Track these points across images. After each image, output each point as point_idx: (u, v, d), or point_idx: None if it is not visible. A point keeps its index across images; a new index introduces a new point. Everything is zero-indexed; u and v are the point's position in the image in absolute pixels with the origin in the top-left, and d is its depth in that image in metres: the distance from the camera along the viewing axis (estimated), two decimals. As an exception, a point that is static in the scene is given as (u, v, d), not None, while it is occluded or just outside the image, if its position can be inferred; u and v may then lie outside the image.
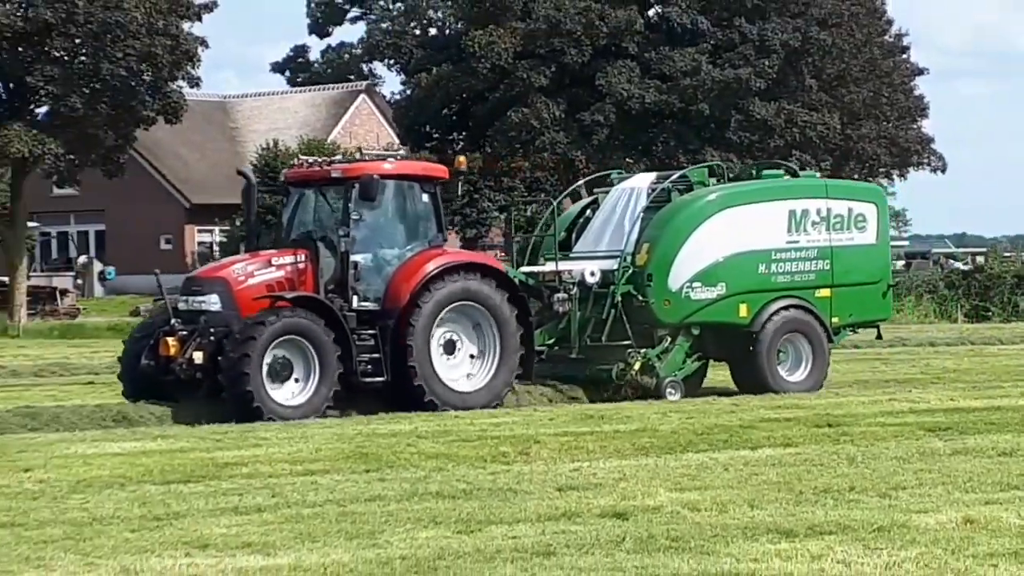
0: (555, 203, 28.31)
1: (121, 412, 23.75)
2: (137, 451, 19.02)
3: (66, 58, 58.50)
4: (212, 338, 23.11)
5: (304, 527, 13.47)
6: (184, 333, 23.51)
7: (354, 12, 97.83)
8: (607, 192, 27.90)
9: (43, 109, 59.62)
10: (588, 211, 28.07)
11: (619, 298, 25.53)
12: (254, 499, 15.08)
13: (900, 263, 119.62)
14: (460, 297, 24.29)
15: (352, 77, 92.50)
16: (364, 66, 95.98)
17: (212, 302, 23.66)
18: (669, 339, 25.92)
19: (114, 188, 65.69)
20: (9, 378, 34.71)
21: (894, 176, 78.20)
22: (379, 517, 13.92)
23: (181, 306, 24.10)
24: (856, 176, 71.59)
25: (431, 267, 24.17)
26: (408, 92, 68.54)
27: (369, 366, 23.79)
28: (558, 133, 61.04)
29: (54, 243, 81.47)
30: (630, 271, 25.68)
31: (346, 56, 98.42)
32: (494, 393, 24.56)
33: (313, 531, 13.25)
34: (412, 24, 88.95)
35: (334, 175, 24.71)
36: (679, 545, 12.31)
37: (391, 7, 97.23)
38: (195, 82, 62.46)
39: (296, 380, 23.32)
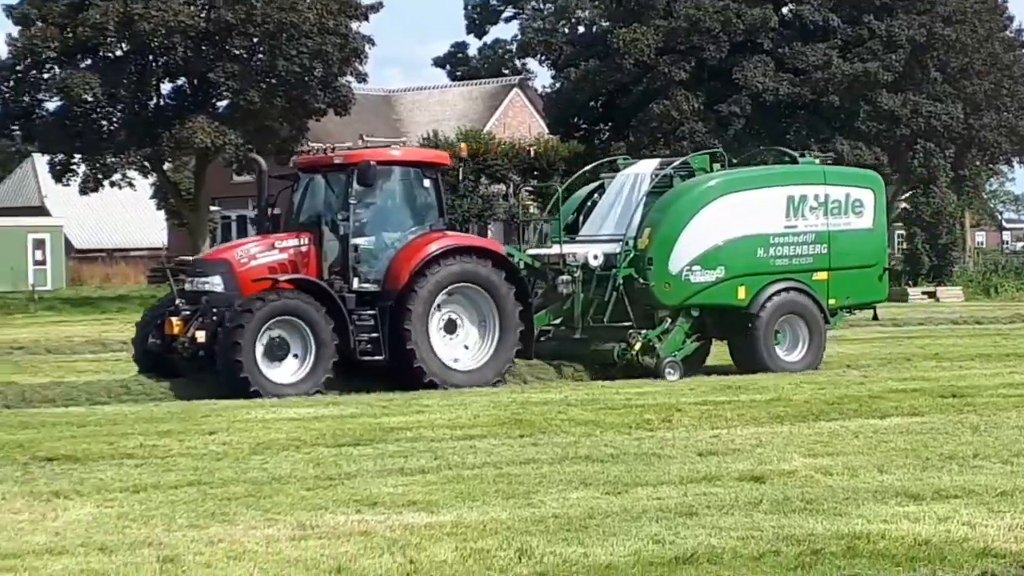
0: (559, 189, 27.47)
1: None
2: (311, 417, 19.15)
3: (245, 56, 59.15)
4: (214, 318, 22.51)
5: (464, 487, 13.50)
6: (187, 313, 23.04)
7: (508, 12, 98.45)
8: (613, 177, 27.21)
9: (224, 103, 60.38)
10: (596, 195, 27.27)
11: (621, 281, 24.81)
12: (418, 461, 15.14)
13: (1020, 244, 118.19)
14: (458, 279, 23.59)
15: (506, 72, 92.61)
16: (517, 61, 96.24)
17: (215, 283, 23.11)
18: (669, 320, 25.12)
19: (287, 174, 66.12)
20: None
21: (1014, 163, 77.38)
22: (533, 478, 13.93)
23: (187, 287, 23.69)
24: (978, 163, 70.84)
25: (429, 250, 23.43)
26: (558, 86, 68.45)
27: (368, 345, 23.09)
28: (697, 124, 60.74)
29: (234, 226, 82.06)
30: (632, 254, 24.94)
31: (501, 52, 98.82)
32: (494, 370, 23.78)
33: (472, 491, 13.28)
34: (562, 23, 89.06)
35: (336, 161, 24.10)
36: (813, 507, 12.23)
37: (542, 7, 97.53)
38: (362, 77, 62.99)
39: (295, 356, 22.70)
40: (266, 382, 22.18)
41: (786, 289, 25.49)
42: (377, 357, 23.13)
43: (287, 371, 22.62)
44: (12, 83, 59.73)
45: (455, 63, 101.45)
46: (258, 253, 23.47)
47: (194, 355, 22.68)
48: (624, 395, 21.39)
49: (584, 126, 65.47)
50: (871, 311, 28.64)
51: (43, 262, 72.96)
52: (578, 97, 64.25)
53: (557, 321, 25.85)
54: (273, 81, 58.81)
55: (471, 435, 17.09)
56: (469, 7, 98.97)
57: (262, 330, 22.25)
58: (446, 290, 23.46)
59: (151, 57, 59.39)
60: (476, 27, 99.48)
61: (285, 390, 22.11)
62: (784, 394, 21.05)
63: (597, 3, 68.33)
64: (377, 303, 23.28)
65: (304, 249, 23.49)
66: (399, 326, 22.99)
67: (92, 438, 17.04)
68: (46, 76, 59.33)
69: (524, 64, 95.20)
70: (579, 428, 17.49)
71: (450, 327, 23.78)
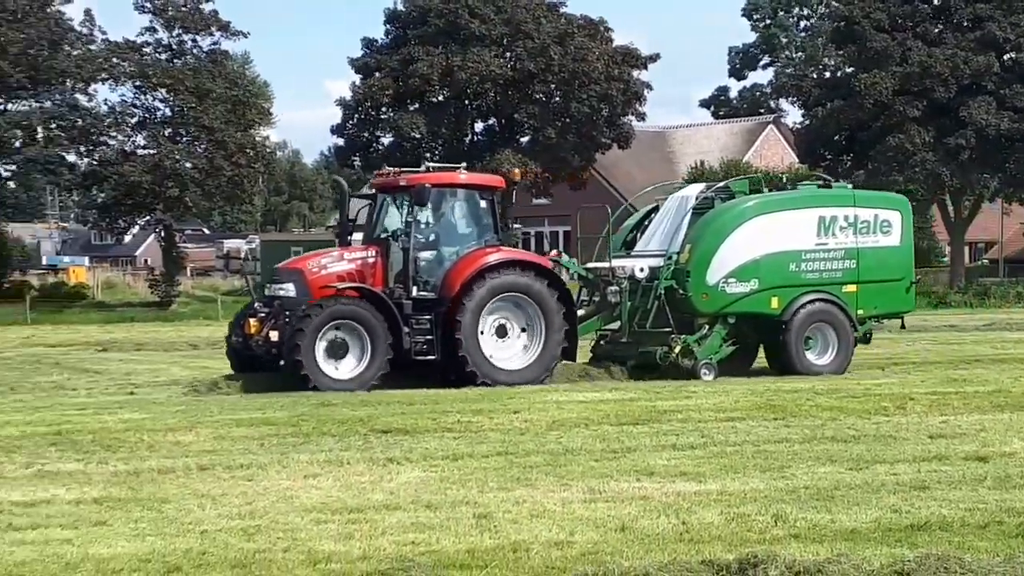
0: (612, 214, 26.03)
1: (585, 370, 24.05)
2: (597, 400, 19.17)
3: (544, 99, 59.72)
4: (286, 320, 21.85)
5: (727, 461, 13.40)
6: (263, 315, 22.58)
7: (765, 60, 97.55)
8: (665, 199, 26.30)
9: (525, 138, 60.86)
10: (652, 215, 26.19)
11: (662, 291, 23.94)
12: (688, 439, 15.05)
13: None
14: (506, 288, 22.59)
15: (762, 111, 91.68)
16: (772, 102, 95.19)
17: (289, 289, 22.45)
18: (707, 327, 24.14)
19: (577, 198, 66.42)
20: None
21: None
22: (786, 455, 13.75)
23: (268, 292, 23.24)
24: None
25: (480, 263, 22.57)
26: (807, 122, 67.46)
27: (424, 346, 22.30)
28: (928, 154, 59.29)
29: (532, 241, 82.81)
30: (673, 267, 24.01)
31: (758, 94, 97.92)
32: (539, 370, 22.73)
33: (734, 464, 13.17)
34: (811, 69, 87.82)
35: (401, 183, 23.19)
36: (1031, 484, 11.86)
37: (794, 56, 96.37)
38: (641, 116, 63.10)
39: (355, 356, 21.83)
40: (324, 378, 21.44)
41: (816, 300, 24.42)
42: (430, 357, 22.40)
43: (346, 368, 21.80)
44: (355, 122, 61.22)
45: (718, 103, 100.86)
46: (329, 264, 22.75)
47: (268, 352, 22.07)
48: (864, 385, 20.98)
49: (829, 157, 64.35)
50: (899, 321, 27.09)
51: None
52: (824, 132, 63.29)
53: (615, 326, 25.00)
54: (567, 120, 59.25)
55: (732, 417, 16.94)
56: (732, 55, 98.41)
57: (322, 332, 21.53)
58: (495, 299, 22.58)
59: (467, 101, 60.29)
60: (737, 72, 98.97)
61: (343, 385, 21.38)
62: (1004, 387, 20.40)
63: (842, 52, 67.11)
64: (433, 309, 22.51)
65: (371, 260, 22.78)
66: (452, 330, 22.27)
67: (418, 415, 17.29)
68: (382, 117, 60.58)
69: (778, 104, 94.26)
70: (825, 413, 17.20)
71: (501, 331, 22.83)
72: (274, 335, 21.91)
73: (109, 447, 14.64)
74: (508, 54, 59.41)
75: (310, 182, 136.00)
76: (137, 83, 61.84)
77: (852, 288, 24.81)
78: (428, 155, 59.81)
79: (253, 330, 22.47)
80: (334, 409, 17.99)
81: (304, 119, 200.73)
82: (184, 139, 62.45)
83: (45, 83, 58.27)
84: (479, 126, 62.69)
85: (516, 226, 60.69)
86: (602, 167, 68.16)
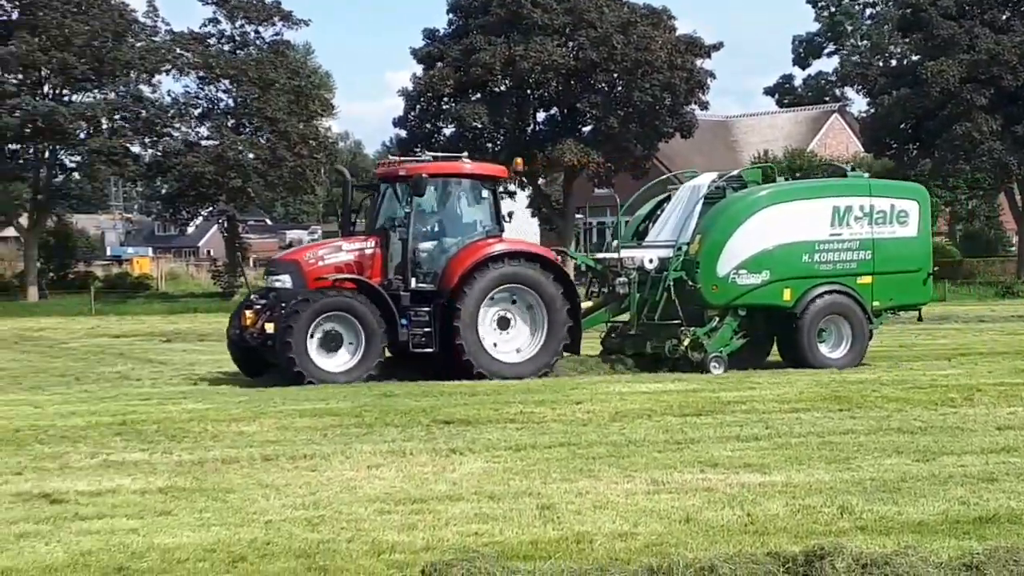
0: (621, 203, 25.38)
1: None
2: (660, 391, 19.15)
3: (606, 88, 59.56)
4: (282, 312, 21.43)
5: (792, 452, 13.33)
6: (259, 307, 22.33)
7: (830, 48, 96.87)
8: (678, 188, 25.67)
9: (588, 128, 60.75)
10: (664, 204, 25.54)
11: (671, 282, 23.45)
12: (751, 430, 15.00)
13: None
14: (508, 279, 22.11)
15: (827, 99, 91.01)
16: (837, 90, 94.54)
17: (285, 281, 22.14)
18: (718, 319, 23.57)
19: (639, 188, 66.32)
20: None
21: None
22: (851, 446, 13.67)
23: (265, 284, 23.14)
24: None
25: (481, 254, 22.10)
26: (872, 111, 66.88)
27: (422, 339, 21.89)
28: (995, 143, 58.68)
29: (594, 231, 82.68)
30: (682, 258, 23.53)
31: (823, 82, 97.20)
32: (540, 364, 22.22)
33: (799, 456, 13.11)
34: (876, 57, 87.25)
35: (400, 173, 22.66)
36: (1102, 477, 11.74)
37: (859, 44, 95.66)
38: (704, 105, 62.79)
39: (351, 344, 21.47)
40: (316, 369, 21.09)
41: (830, 292, 23.86)
42: (428, 349, 21.99)
43: (340, 360, 21.47)
44: (417, 113, 61.36)
45: (783, 92, 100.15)
46: (326, 255, 22.40)
47: (263, 345, 21.72)
48: (930, 376, 20.84)
49: (895, 145, 63.80)
50: (916, 312, 26.52)
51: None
52: (890, 120, 62.73)
53: (625, 318, 24.57)
54: (629, 109, 59.06)
55: (796, 408, 16.86)
56: (796, 43, 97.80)
57: (314, 323, 21.22)
58: (497, 290, 22.13)
59: (528, 91, 60.22)
60: (801, 60, 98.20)
61: (336, 377, 21.04)
62: (1074, 378, 20.24)
63: (908, 40, 66.53)
64: (432, 300, 22.09)
65: (370, 251, 22.38)
66: (450, 320, 21.87)
67: (481, 405, 17.34)
68: (444, 107, 60.67)
69: (843, 92, 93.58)
70: (891, 404, 17.10)
71: (503, 323, 22.36)
72: (269, 327, 21.55)
73: (173, 437, 14.76)
74: (570, 43, 59.31)
75: (371, 173, 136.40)
76: (201, 74, 62.38)
77: (867, 279, 24.21)
78: (490, 145, 59.91)
79: (248, 322, 22.22)
80: (396, 400, 18.07)
81: (365, 110, 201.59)
82: (247, 130, 62.92)
83: (109, 74, 58.74)
84: (541, 116, 62.60)
85: (578, 216, 60.51)
86: (665, 156, 67.83)
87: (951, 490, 11.23)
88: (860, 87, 70.99)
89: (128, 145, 60.39)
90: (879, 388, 18.86)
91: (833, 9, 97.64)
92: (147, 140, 61.65)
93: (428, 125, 61.87)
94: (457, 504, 10.92)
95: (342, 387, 20.08)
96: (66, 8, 56.80)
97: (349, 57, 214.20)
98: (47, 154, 60.25)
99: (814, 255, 23.84)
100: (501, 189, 23.34)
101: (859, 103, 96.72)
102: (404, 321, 21.86)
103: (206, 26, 63.60)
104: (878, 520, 10.15)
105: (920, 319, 27.57)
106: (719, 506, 10.72)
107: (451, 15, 62.56)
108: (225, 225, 67.43)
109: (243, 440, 14.57)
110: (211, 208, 66.27)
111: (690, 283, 23.32)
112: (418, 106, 61.32)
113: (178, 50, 61.68)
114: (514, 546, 9.45)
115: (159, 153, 61.86)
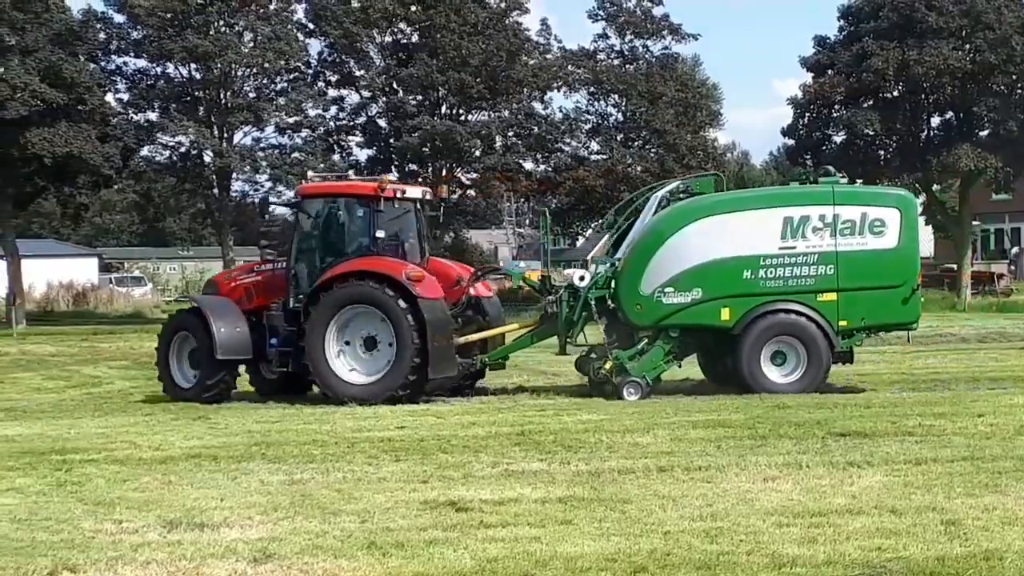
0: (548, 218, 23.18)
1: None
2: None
3: (1004, 91, 57.50)
4: None
5: None
6: None
7: None
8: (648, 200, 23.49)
9: (984, 132, 58.82)
10: (634, 218, 23.37)
11: (593, 301, 21.74)
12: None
13: None
14: (352, 300, 21.47)
15: None
16: None
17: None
18: (646, 340, 21.69)
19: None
20: (958, 343, 34.45)
21: None
22: None
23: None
24: None
25: (330, 274, 21.71)
26: None
27: (280, 358, 22.11)
28: None
29: (992, 237, 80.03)
30: (608, 276, 21.82)
31: None
32: (387, 386, 21.29)
33: None
34: None
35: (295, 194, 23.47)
36: None
37: None
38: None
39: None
40: (174, 388, 22.71)
41: (779, 311, 21.57)
42: (284, 369, 22.23)
43: (191, 375, 22.77)
44: (806, 121, 60.75)
45: None
46: (239, 276, 23.81)
47: None
48: None
49: None
50: (904, 332, 23.80)
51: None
52: None
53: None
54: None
55: None
56: None
57: (172, 340, 22.83)
58: (345, 309, 21.56)
59: (922, 96, 58.78)
60: None
61: (185, 394, 22.33)
62: None
63: None
64: (301, 321, 21.88)
65: (278, 273, 23.03)
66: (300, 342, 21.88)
67: (877, 418, 17.06)
68: (834, 115, 59.87)
69: None
70: None
71: (370, 344, 21.68)
72: None
73: (570, 447, 15.06)
74: (967, 46, 57.59)
75: (759, 184, 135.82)
76: (591, 89, 63.42)
77: (830, 296, 21.74)
78: (881, 152, 58.74)
79: None
80: (790, 412, 17.97)
81: (751, 119, 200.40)
82: (635, 143, 63.52)
83: (503, 93, 60.35)
84: (935, 121, 61.01)
85: (975, 223, 58.73)
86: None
87: None
88: None
89: (521, 161, 61.93)
90: None
91: None
92: (539, 156, 63.06)
93: (817, 133, 61.17)
94: (857, 518, 10.74)
95: (735, 399, 20.10)
96: (463, 30, 58.68)
97: (734, 66, 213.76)
98: (443, 172, 62.34)
99: (758, 271, 21.72)
100: (419, 206, 23.35)
101: None
102: (273, 340, 22.34)
103: (595, 42, 64.74)
104: None
105: (909, 340, 25.04)
106: None
107: (841, 21, 61.67)
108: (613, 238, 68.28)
109: (638, 451, 14.74)
110: (600, 221, 67.26)
111: (610, 302, 22.02)
112: (807, 114, 60.69)
113: (569, 67, 62.91)
114: (919, 562, 9.24)
115: (550, 168, 63.17)
